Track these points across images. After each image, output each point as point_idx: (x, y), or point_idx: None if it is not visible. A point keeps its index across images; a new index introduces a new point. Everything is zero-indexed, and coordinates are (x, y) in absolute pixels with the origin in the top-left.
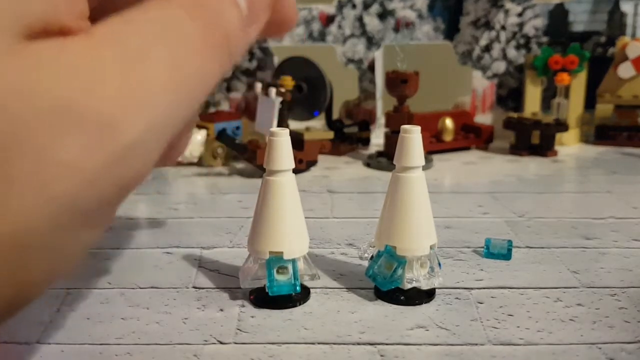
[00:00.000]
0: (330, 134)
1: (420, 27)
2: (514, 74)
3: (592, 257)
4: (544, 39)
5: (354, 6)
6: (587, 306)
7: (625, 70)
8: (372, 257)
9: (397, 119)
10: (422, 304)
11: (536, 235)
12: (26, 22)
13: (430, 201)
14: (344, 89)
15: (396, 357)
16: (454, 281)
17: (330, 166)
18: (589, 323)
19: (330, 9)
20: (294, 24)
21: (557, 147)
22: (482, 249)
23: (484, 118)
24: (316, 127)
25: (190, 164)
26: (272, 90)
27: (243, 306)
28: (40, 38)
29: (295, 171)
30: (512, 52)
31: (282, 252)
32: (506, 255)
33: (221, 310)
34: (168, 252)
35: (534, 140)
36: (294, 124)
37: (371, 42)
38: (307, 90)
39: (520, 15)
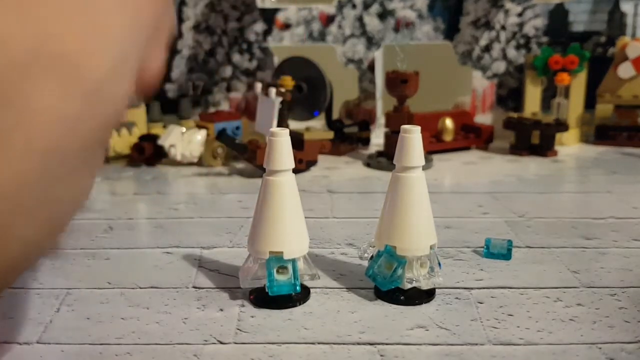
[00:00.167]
0: (330, 134)
1: (420, 27)
2: (514, 74)
3: (592, 257)
4: (544, 39)
5: (354, 6)
6: (587, 306)
7: (625, 70)
8: (372, 257)
9: (397, 119)
10: (422, 304)
11: (536, 235)
12: None
13: (430, 201)
14: (344, 89)
15: (396, 357)
16: (454, 281)
17: (330, 166)
18: (589, 323)
19: (330, 9)
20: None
21: (557, 147)
22: (482, 249)
23: (484, 118)
24: (316, 127)
25: (190, 164)
26: (272, 90)
27: (243, 306)
28: None
29: (295, 171)
30: (512, 52)
31: (282, 252)
32: (506, 255)
33: (221, 310)
34: (168, 252)
35: (534, 140)
36: (294, 124)
37: (371, 42)
38: (307, 90)
39: (520, 15)
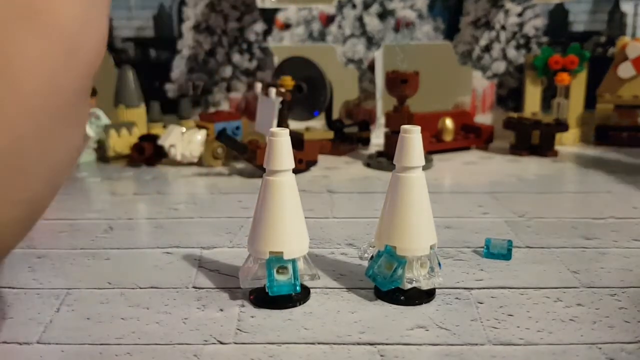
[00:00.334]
0: (330, 134)
1: (420, 27)
2: (514, 74)
3: (592, 257)
4: (544, 39)
5: (354, 6)
6: (587, 306)
7: (625, 70)
8: (372, 257)
9: (397, 119)
10: (422, 304)
11: (536, 235)
12: None
13: (430, 201)
14: (344, 89)
15: (396, 357)
16: (454, 281)
17: (330, 166)
18: (589, 323)
19: (330, 9)
20: None
21: (557, 147)
22: (482, 249)
23: (484, 118)
24: (316, 127)
25: (190, 164)
26: (272, 90)
27: (243, 306)
28: None
29: (295, 171)
30: (512, 52)
31: (282, 252)
32: (506, 255)
33: (221, 310)
34: (168, 252)
35: (534, 140)
36: (294, 124)
37: (371, 42)
38: (307, 90)
39: (520, 15)
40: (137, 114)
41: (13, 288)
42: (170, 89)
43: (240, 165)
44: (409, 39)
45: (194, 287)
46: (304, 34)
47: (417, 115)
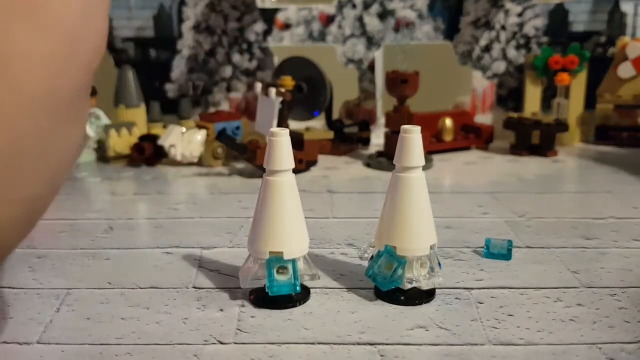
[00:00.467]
0: (330, 134)
1: (420, 27)
2: (514, 74)
3: (592, 257)
4: (544, 39)
5: (354, 6)
6: (587, 306)
7: (625, 70)
8: (372, 257)
9: (397, 119)
10: (422, 304)
11: (536, 235)
12: None
13: (430, 201)
14: (344, 89)
15: (396, 357)
16: (454, 281)
17: (330, 166)
18: (589, 323)
19: (330, 9)
20: None
21: (557, 147)
22: (482, 249)
23: (484, 118)
24: (316, 127)
25: (190, 164)
26: (272, 90)
27: (243, 306)
28: None
29: (295, 171)
30: (512, 52)
31: (282, 252)
32: (506, 255)
33: (221, 310)
34: (168, 252)
35: (534, 140)
36: (294, 124)
37: (371, 42)
38: (307, 90)
39: (520, 15)
40: (137, 114)
41: (13, 288)
42: (170, 89)
43: (240, 165)
44: (409, 39)
45: (194, 287)
46: (304, 34)
47: (417, 115)
